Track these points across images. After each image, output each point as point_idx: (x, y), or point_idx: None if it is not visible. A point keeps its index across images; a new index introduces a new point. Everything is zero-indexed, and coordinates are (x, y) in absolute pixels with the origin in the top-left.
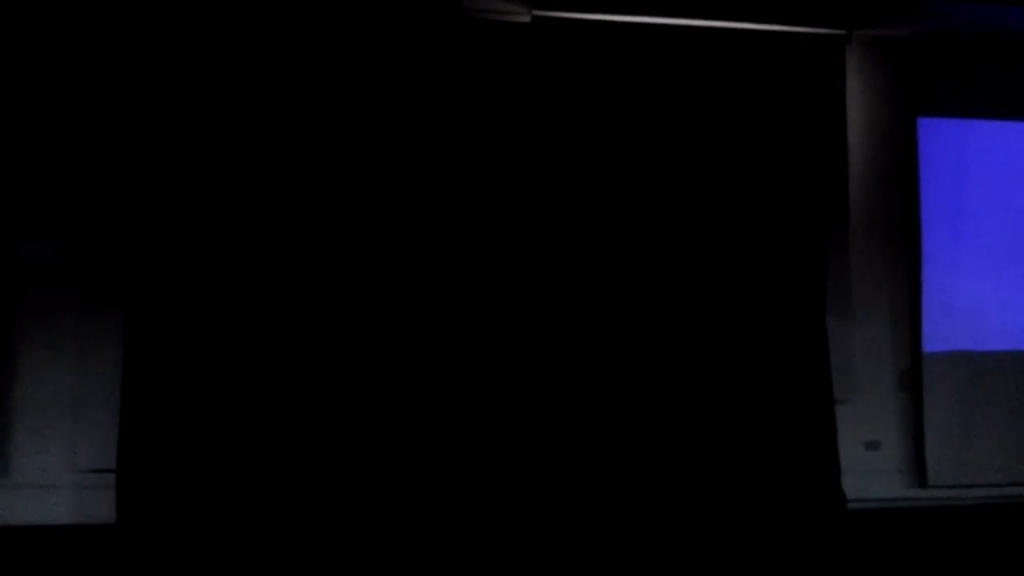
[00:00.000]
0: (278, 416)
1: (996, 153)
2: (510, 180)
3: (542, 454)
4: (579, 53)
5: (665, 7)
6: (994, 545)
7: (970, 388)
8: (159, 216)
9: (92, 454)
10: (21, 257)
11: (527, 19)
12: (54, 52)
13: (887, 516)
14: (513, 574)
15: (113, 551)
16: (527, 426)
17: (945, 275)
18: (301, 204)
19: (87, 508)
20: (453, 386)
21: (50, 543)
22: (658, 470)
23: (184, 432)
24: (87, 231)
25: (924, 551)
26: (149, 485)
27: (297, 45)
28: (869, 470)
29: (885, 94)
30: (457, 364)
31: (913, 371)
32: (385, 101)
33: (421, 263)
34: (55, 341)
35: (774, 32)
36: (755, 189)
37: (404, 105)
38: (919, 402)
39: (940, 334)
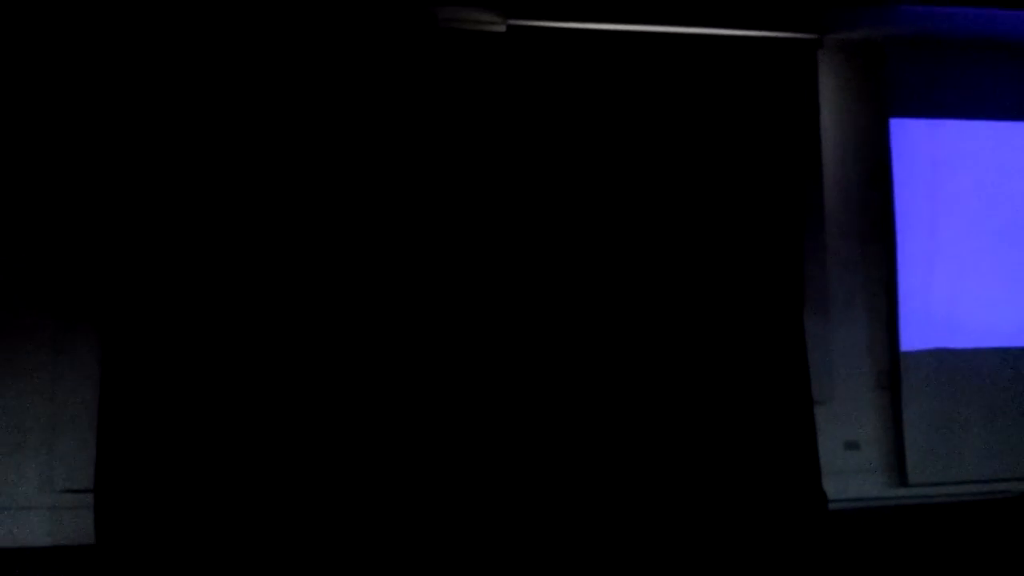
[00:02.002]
0: (257, 432)
1: (969, 153)
2: (487, 185)
3: (528, 456)
4: (554, 61)
5: (638, 15)
6: (975, 542)
7: (948, 386)
8: (133, 233)
9: (68, 474)
10: None
11: (502, 28)
12: (22, 59)
13: (868, 515)
14: (494, 562)
15: (92, 572)
16: (511, 426)
17: (921, 274)
18: (279, 216)
19: (65, 529)
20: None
21: (28, 565)
22: (640, 472)
23: (163, 450)
24: (59, 247)
25: (905, 549)
26: (127, 504)
27: (275, 56)
28: (849, 470)
29: (858, 96)
30: (409, 361)
31: (891, 370)
32: (362, 110)
33: (395, 265)
34: (29, 360)
35: (747, 37)
36: (730, 193)
37: (381, 114)
38: (897, 401)
39: (917, 333)
